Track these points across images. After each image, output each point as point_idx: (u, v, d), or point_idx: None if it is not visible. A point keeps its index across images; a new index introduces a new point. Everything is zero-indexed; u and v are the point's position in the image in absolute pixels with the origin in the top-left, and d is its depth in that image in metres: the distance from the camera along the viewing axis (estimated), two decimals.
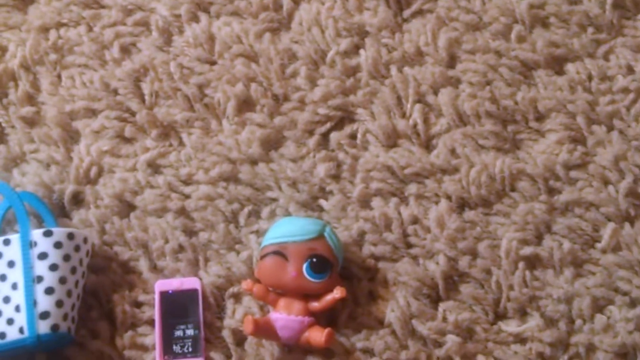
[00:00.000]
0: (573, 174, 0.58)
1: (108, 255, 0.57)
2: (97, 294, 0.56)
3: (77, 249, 0.54)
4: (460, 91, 0.60)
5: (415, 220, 0.58)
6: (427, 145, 0.60)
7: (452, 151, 0.59)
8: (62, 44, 0.62)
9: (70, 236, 0.54)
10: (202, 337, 0.54)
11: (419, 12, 0.63)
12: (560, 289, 0.56)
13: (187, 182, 0.59)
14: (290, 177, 0.58)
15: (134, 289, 0.56)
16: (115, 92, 0.61)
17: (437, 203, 0.58)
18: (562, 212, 0.58)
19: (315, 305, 0.53)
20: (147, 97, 0.61)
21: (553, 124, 0.59)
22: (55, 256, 0.53)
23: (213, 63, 0.62)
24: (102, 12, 0.63)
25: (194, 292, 0.55)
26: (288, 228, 0.54)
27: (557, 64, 0.61)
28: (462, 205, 0.58)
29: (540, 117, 0.60)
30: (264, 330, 0.52)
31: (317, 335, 0.52)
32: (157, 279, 0.56)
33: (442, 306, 0.56)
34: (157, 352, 0.54)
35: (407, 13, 0.63)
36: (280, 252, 0.53)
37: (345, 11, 0.62)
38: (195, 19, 0.63)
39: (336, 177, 0.59)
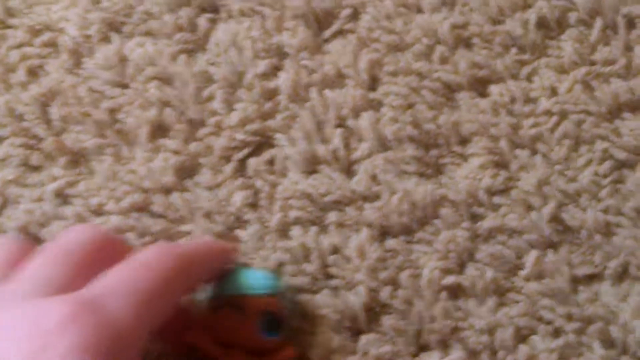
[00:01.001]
0: (496, 199, 0.56)
1: None
2: None
3: None
4: (382, 115, 0.57)
5: (335, 250, 0.55)
6: (348, 171, 0.57)
7: (374, 177, 0.56)
8: None
9: None
10: None
11: (340, 32, 0.60)
12: (483, 319, 0.54)
13: (97, 212, 0.55)
14: (205, 207, 0.55)
15: None
16: (21, 117, 0.57)
17: (358, 231, 0.55)
18: (485, 239, 0.55)
19: None
20: (55, 123, 0.57)
21: (476, 148, 0.57)
22: None
23: (125, 86, 0.58)
24: (7, 32, 0.59)
25: None
26: (247, 281, 0.49)
27: (480, 86, 0.58)
28: (383, 233, 0.56)
29: (463, 141, 0.57)
30: None
31: None
32: None
33: (363, 339, 0.53)
34: None
35: (327, 33, 0.59)
36: (236, 305, 0.48)
37: (263, 31, 0.59)
38: (106, 39, 0.59)
39: (254, 206, 0.56)
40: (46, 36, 0.58)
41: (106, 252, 0.39)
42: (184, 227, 0.55)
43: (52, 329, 0.30)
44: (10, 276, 0.36)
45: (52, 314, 0.30)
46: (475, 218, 0.56)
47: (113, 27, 0.59)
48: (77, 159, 0.56)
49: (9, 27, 0.59)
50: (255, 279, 0.49)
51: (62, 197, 0.55)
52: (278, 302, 0.50)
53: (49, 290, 0.34)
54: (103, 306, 0.32)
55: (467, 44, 0.59)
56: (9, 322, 0.31)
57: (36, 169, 0.56)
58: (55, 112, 0.57)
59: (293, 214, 0.55)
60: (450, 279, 0.54)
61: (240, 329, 0.47)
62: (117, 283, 0.35)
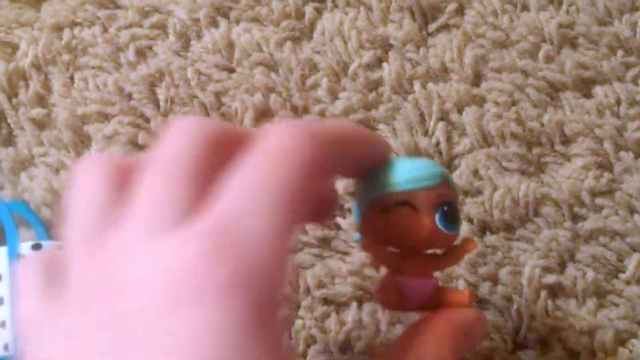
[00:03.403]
0: (599, 200, 0.53)
1: None
2: None
3: None
4: (485, 111, 0.55)
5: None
6: (449, 165, 0.54)
7: (475, 172, 0.54)
8: (76, 44, 0.56)
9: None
10: None
11: (445, 27, 0.57)
12: (583, 320, 0.51)
13: None
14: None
15: None
16: (130, 96, 0.55)
17: None
18: (587, 240, 0.53)
19: (443, 261, 0.41)
20: (162, 103, 0.55)
21: (579, 149, 0.54)
22: None
23: (232, 71, 0.56)
24: (117, 12, 0.57)
25: None
26: (412, 174, 0.38)
27: (585, 87, 0.55)
28: (483, 228, 0.53)
29: (566, 141, 0.54)
30: (397, 301, 0.39)
31: (459, 298, 0.39)
32: None
33: None
34: None
35: (432, 27, 0.57)
36: (408, 202, 0.37)
37: (369, 22, 0.57)
38: (214, 24, 0.57)
39: (354, 194, 0.53)
40: (155, 18, 0.56)
41: (224, 147, 0.29)
42: None
43: (184, 280, 0.24)
44: (124, 203, 0.28)
45: (186, 255, 0.24)
46: (576, 218, 0.53)
47: (221, 11, 0.57)
48: None
49: (119, 7, 0.57)
50: (419, 169, 0.38)
51: None
52: (451, 190, 0.40)
53: (174, 218, 0.26)
54: (239, 234, 0.25)
55: (573, 43, 0.56)
56: (141, 269, 0.25)
57: (143, 147, 0.54)
58: (162, 92, 0.55)
59: None
60: (550, 278, 0.52)
61: (418, 229, 0.37)
62: (249, 194, 0.26)
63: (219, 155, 0.28)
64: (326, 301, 0.51)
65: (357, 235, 0.41)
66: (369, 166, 0.36)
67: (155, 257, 0.25)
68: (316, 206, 0.35)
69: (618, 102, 0.55)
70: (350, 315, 0.51)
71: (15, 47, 0.56)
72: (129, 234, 0.27)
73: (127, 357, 0.24)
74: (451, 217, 0.38)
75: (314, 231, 0.52)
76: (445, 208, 0.38)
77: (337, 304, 0.51)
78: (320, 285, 0.51)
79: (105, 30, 0.56)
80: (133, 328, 0.24)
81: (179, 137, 0.29)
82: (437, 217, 0.38)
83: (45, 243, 0.48)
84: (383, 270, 0.44)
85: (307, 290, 0.51)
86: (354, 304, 0.51)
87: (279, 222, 0.26)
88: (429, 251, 0.40)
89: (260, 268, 0.25)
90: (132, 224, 0.27)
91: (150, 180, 0.28)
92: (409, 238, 0.38)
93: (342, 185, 0.52)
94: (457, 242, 0.40)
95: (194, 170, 0.28)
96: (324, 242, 0.52)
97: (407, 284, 0.39)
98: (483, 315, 0.37)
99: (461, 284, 0.51)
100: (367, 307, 0.51)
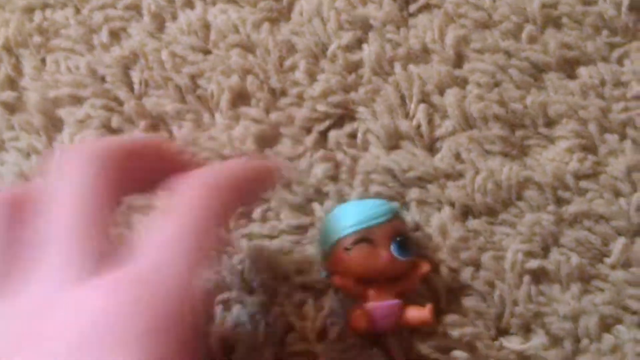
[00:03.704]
0: (583, 184, 0.51)
1: None
2: None
3: None
4: (467, 92, 0.53)
5: (416, 228, 0.51)
6: (431, 148, 0.53)
7: (457, 155, 0.52)
8: (48, 26, 0.54)
9: None
10: None
11: (426, 7, 0.55)
12: (567, 305, 0.50)
13: None
14: (284, 178, 0.51)
15: None
16: (103, 79, 0.53)
17: (439, 209, 0.51)
18: (571, 224, 0.51)
19: (402, 284, 0.47)
20: (136, 86, 0.53)
21: (563, 131, 0.52)
22: None
23: (207, 52, 0.54)
24: None
25: None
26: (366, 213, 0.46)
27: (569, 67, 0.54)
28: (465, 212, 0.51)
29: (550, 123, 0.53)
30: (368, 326, 0.46)
31: (420, 314, 0.46)
32: None
33: (444, 320, 0.49)
34: None
35: (413, 7, 0.55)
36: (367, 238, 0.45)
37: (348, 3, 0.55)
38: (189, 4, 0.55)
39: (334, 179, 0.52)
40: None
41: (127, 173, 0.32)
42: (262, 195, 0.51)
43: (114, 320, 0.26)
44: (23, 243, 0.30)
45: (110, 303, 0.27)
46: (560, 202, 0.51)
47: None
48: (157, 123, 0.52)
49: None
50: (372, 208, 0.47)
51: None
52: (401, 222, 0.48)
53: (90, 266, 0.28)
54: (157, 283, 0.28)
55: (557, 23, 0.55)
56: (65, 316, 0.27)
57: (116, 131, 0.52)
58: (136, 75, 0.53)
59: (374, 188, 0.51)
60: (534, 263, 0.50)
61: (377, 260, 0.45)
62: (165, 250, 0.29)
63: (117, 192, 0.32)
64: (304, 287, 0.49)
65: (324, 273, 0.47)
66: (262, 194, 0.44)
67: (79, 304, 0.27)
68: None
69: (602, 83, 0.53)
70: (327, 301, 0.49)
71: None
72: (44, 282, 0.28)
73: None
74: (405, 245, 0.46)
75: (288, 220, 0.50)
76: (399, 239, 0.46)
77: (314, 291, 0.49)
78: (298, 271, 0.49)
79: (77, 11, 0.55)
80: None
81: (78, 172, 0.30)
82: (392, 247, 0.45)
83: None
84: (349, 302, 0.48)
85: (285, 277, 0.49)
86: (331, 291, 0.49)
87: (190, 269, 0.30)
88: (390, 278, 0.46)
89: (178, 310, 0.28)
90: (45, 273, 0.28)
91: (57, 224, 0.29)
92: (371, 269, 0.45)
93: (321, 169, 0.51)
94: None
95: (100, 200, 0.30)
96: (301, 229, 0.50)
97: (374, 309, 0.45)
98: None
99: (444, 270, 0.49)
100: (341, 294, 0.49)
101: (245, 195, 0.39)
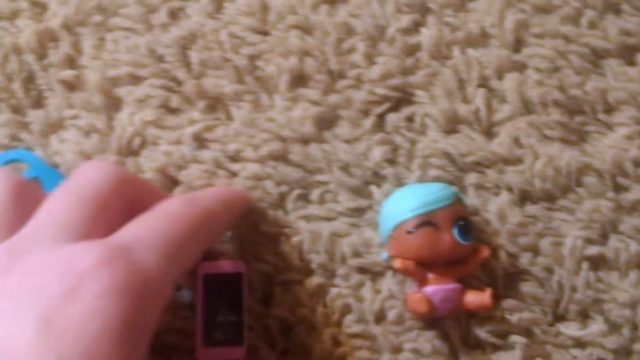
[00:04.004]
0: None
1: None
2: None
3: None
4: (527, 77, 0.53)
5: (475, 212, 0.51)
6: (489, 133, 0.52)
7: (516, 140, 0.52)
8: (107, 4, 0.54)
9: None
10: (246, 324, 0.43)
11: None
12: (626, 292, 0.50)
13: (234, 158, 0.51)
14: (343, 160, 0.51)
15: None
16: (162, 59, 0.53)
17: (497, 195, 0.51)
18: (630, 211, 0.51)
19: (462, 269, 0.47)
20: (194, 66, 0.53)
21: (622, 117, 0.52)
22: None
23: (266, 33, 0.54)
24: None
25: (239, 276, 0.44)
26: (430, 197, 0.46)
27: (629, 54, 0.53)
28: (523, 198, 0.51)
29: (609, 109, 0.52)
30: (428, 309, 0.46)
31: (480, 299, 0.47)
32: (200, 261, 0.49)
33: (502, 304, 0.49)
34: (198, 339, 0.43)
35: None
36: (430, 222, 0.45)
37: None
38: None
39: (392, 162, 0.52)
40: None
41: (126, 195, 0.36)
42: (321, 178, 0.51)
43: (85, 272, 0.28)
44: (25, 212, 0.34)
45: (84, 257, 0.29)
46: (619, 189, 0.51)
47: None
48: (216, 104, 0.52)
49: None
50: (435, 192, 0.47)
51: (200, 141, 0.51)
52: (463, 206, 0.48)
53: (71, 236, 0.32)
54: (133, 253, 0.30)
55: (617, 9, 0.54)
56: (40, 265, 0.29)
57: (175, 111, 0.52)
58: (195, 55, 0.53)
59: (432, 172, 0.51)
60: (593, 250, 0.50)
61: (440, 243, 0.45)
62: (145, 233, 0.32)
63: (122, 200, 0.36)
64: (361, 270, 0.50)
65: (385, 255, 0.48)
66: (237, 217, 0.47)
67: (56, 258, 0.30)
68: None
69: None
70: (385, 284, 0.49)
71: (44, 7, 0.54)
72: (28, 239, 0.32)
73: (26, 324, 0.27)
74: (467, 230, 0.46)
75: (346, 202, 0.50)
76: (462, 223, 0.46)
77: (372, 273, 0.50)
78: (356, 254, 0.49)
79: None
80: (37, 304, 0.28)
81: (89, 175, 0.36)
82: (455, 231, 0.45)
83: None
84: (410, 285, 0.49)
85: (343, 259, 0.49)
86: (389, 273, 0.49)
87: (165, 259, 0.32)
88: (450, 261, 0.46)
89: (149, 280, 0.30)
90: (31, 232, 0.32)
91: (57, 204, 0.34)
92: (433, 252, 0.45)
93: (379, 152, 0.51)
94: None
95: (96, 204, 0.34)
96: (359, 212, 0.50)
97: (434, 293, 0.46)
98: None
99: (502, 255, 0.49)
100: (398, 277, 0.49)
101: (225, 218, 0.42)
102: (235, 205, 0.44)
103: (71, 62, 0.53)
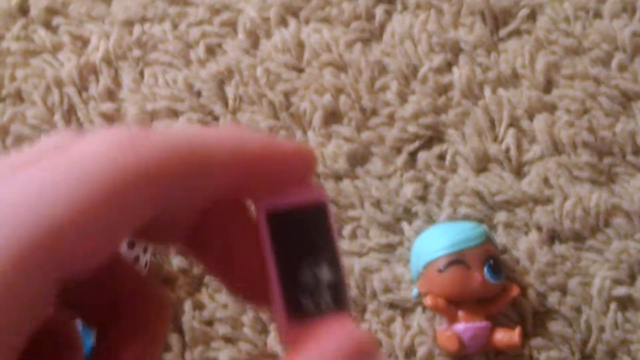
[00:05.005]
0: None
1: (180, 266, 0.51)
2: None
3: (136, 259, 0.47)
4: (557, 118, 0.54)
5: (504, 250, 0.52)
6: (519, 172, 0.54)
7: (545, 180, 0.53)
8: (146, 39, 0.56)
9: (131, 245, 0.47)
10: (344, 278, 0.25)
11: (516, 32, 0.56)
12: None
13: None
14: (375, 196, 0.53)
15: (205, 308, 0.51)
16: (199, 93, 0.55)
17: (526, 233, 0.52)
18: None
19: (492, 307, 0.48)
20: (230, 102, 0.55)
21: None
22: None
23: (301, 70, 0.55)
24: (188, 9, 0.57)
25: (320, 208, 0.25)
26: (461, 235, 0.47)
27: None
28: (552, 237, 0.52)
29: (638, 151, 0.53)
30: (458, 347, 0.47)
31: (509, 337, 0.48)
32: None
33: (531, 343, 0.50)
34: (279, 312, 0.23)
35: (503, 32, 0.56)
36: (460, 261, 0.47)
37: (439, 26, 0.56)
38: (284, 23, 0.57)
39: (423, 199, 0.53)
40: (225, 15, 0.56)
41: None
42: (353, 213, 0.52)
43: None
44: None
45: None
46: None
47: (291, 11, 0.56)
48: None
49: (190, 4, 0.57)
50: (466, 230, 0.48)
51: None
52: (493, 246, 0.49)
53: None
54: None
55: None
56: None
57: None
58: (231, 90, 0.55)
59: (462, 210, 0.52)
60: (621, 290, 0.51)
61: (471, 282, 0.47)
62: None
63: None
64: (392, 305, 0.51)
65: (416, 292, 0.49)
66: (276, 186, 0.22)
67: None
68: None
69: None
70: (415, 320, 0.50)
71: (86, 41, 0.56)
72: None
73: None
74: (497, 268, 0.47)
75: (377, 238, 0.51)
76: (492, 262, 0.47)
77: (402, 309, 0.51)
78: (387, 289, 0.51)
79: (175, 26, 0.56)
80: None
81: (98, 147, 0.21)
82: (485, 270, 0.47)
83: None
84: (440, 322, 0.50)
85: (374, 295, 0.50)
86: (420, 309, 0.50)
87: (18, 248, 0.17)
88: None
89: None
90: None
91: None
92: (464, 291, 0.46)
93: (411, 189, 0.52)
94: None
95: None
96: (390, 248, 0.51)
97: (464, 330, 0.47)
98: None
99: (531, 294, 0.50)
100: (428, 313, 0.50)
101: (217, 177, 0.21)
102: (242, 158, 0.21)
103: (111, 95, 0.55)
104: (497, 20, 0.56)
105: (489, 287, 0.47)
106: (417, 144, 0.53)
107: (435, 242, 0.48)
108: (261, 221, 0.24)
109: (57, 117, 0.54)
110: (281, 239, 0.25)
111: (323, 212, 0.25)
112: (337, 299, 0.24)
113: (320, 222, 0.26)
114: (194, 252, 0.23)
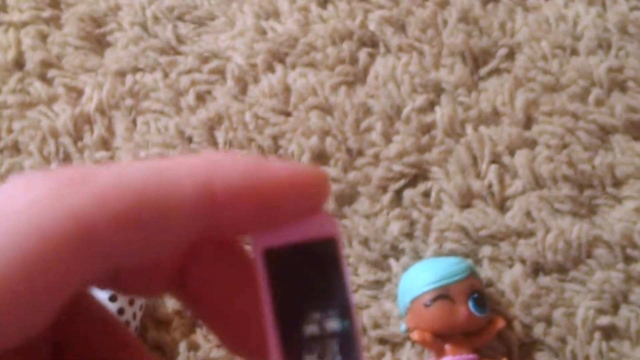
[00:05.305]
0: None
1: (175, 308, 0.53)
2: (162, 348, 0.52)
3: (131, 302, 0.49)
4: (537, 153, 0.56)
5: (489, 284, 0.53)
6: (502, 207, 0.55)
7: (528, 214, 0.55)
8: (138, 89, 0.58)
9: (112, 298, 0.48)
10: (359, 331, 0.19)
11: (496, 71, 0.58)
12: None
13: None
14: (362, 235, 0.54)
15: (200, 348, 0.52)
16: (190, 139, 0.57)
17: (511, 267, 0.54)
18: (639, 282, 0.53)
19: (478, 339, 0.50)
20: (221, 146, 0.57)
21: (630, 191, 0.55)
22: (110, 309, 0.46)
23: (288, 114, 0.58)
24: (178, 58, 0.59)
25: (329, 245, 0.19)
26: (445, 270, 0.49)
27: (635, 130, 0.56)
28: (536, 270, 0.54)
29: (617, 183, 0.55)
30: None
31: None
32: None
33: None
34: None
35: (483, 71, 0.58)
36: (446, 295, 0.48)
37: (421, 67, 0.58)
38: (271, 69, 0.59)
39: (409, 236, 0.55)
40: (214, 63, 0.59)
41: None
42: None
43: None
44: None
45: None
46: (629, 260, 0.54)
47: (277, 57, 0.59)
48: None
49: (180, 53, 0.59)
50: (450, 265, 0.50)
51: None
52: (477, 280, 0.50)
53: None
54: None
55: (623, 87, 0.57)
56: None
57: None
58: (221, 135, 0.57)
59: (448, 246, 0.54)
60: (604, 320, 0.52)
61: (456, 316, 0.48)
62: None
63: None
64: (382, 341, 0.52)
65: (404, 327, 0.50)
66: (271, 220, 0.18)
67: None
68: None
69: None
70: (404, 354, 0.52)
71: (80, 92, 0.58)
72: None
73: None
74: (482, 302, 0.48)
75: (366, 275, 0.53)
76: (476, 295, 0.48)
77: (392, 344, 0.52)
78: (376, 325, 0.52)
79: (166, 75, 0.58)
80: None
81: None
82: (470, 304, 0.48)
83: None
84: (429, 355, 0.51)
85: (364, 331, 0.52)
86: (408, 344, 0.52)
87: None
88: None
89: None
90: None
91: None
92: (450, 324, 0.48)
93: (397, 227, 0.54)
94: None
95: None
96: (378, 284, 0.53)
97: None
98: None
99: (516, 326, 0.51)
100: (417, 347, 0.51)
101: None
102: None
103: (105, 143, 0.57)
104: (476, 60, 0.58)
105: (474, 321, 0.48)
106: (402, 182, 0.55)
107: (420, 277, 0.49)
108: (258, 260, 0.20)
109: (54, 166, 0.56)
110: (282, 281, 0.21)
111: (333, 250, 0.20)
112: (348, 355, 0.20)
113: (330, 261, 0.21)
114: (182, 299, 0.21)
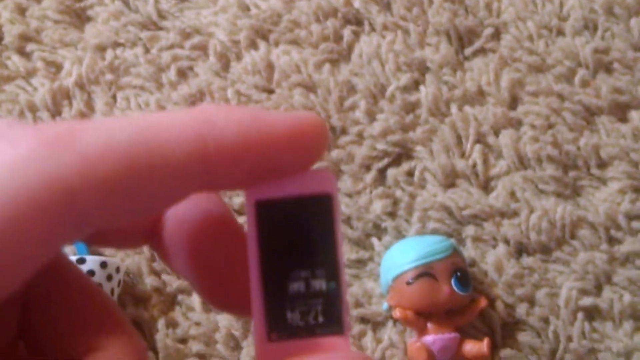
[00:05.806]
0: (635, 224, 0.53)
1: (154, 285, 0.52)
2: (140, 325, 0.52)
3: (109, 278, 0.48)
4: (522, 133, 0.56)
5: (472, 264, 0.53)
6: (486, 187, 0.55)
7: (512, 194, 0.54)
8: (119, 64, 0.58)
9: (103, 265, 0.48)
10: (344, 291, 0.19)
11: (481, 51, 0.58)
12: (620, 342, 0.52)
13: (239, 212, 0.54)
14: (345, 213, 0.54)
15: (178, 326, 0.52)
16: None
17: (494, 247, 0.54)
18: (623, 263, 0.53)
19: (460, 318, 0.50)
20: None
21: (615, 172, 0.55)
22: None
23: (271, 91, 0.57)
24: (159, 33, 0.58)
25: (325, 200, 0.19)
26: (428, 248, 0.49)
27: (620, 111, 0.56)
28: (520, 250, 0.54)
29: (602, 165, 0.55)
30: (430, 355, 0.48)
31: (478, 348, 0.49)
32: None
33: (500, 354, 0.51)
34: (257, 327, 0.19)
35: (469, 51, 0.58)
36: (428, 273, 0.48)
37: (406, 46, 0.58)
38: (254, 45, 0.58)
39: (392, 215, 0.54)
40: (196, 39, 0.58)
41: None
42: None
43: None
44: None
45: None
46: (613, 241, 0.54)
47: (260, 34, 0.58)
48: None
49: (161, 29, 0.58)
50: (433, 244, 0.49)
51: None
52: (460, 258, 0.50)
53: None
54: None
55: (608, 68, 0.57)
56: None
57: None
58: None
59: (431, 225, 0.54)
60: (587, 300, 0.52)
61: (439, 294, 0.48)
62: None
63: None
64: (363, 320, 0.52)
65: (386, 306, 0.50)
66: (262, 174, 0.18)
67: None
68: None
69: None
70: (386, 333, 0.51)
71: (59, 67, 0.57)
72: None
73: None
74: (464, 280, 0.48)
75: (348, 254, 0.53)
76: (459, 274, 0.48)
77: (373, 323, 0.52)
78: (358, 304, 0.52)
79: (147, 51, 0.57)
80: None
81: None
82: (453, 282, 0.48)
83: (88, 257, 0.49)
84: (411, 335, 0.51)
85: None
86: (390, 323, 0.51)
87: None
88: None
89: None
90: None
91: None
92: (432, 303, 0.48)
93: (380, 205, 0.53)
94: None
95: None
96: (360, 263, 0.53)
97: (433, 342, 0.48)
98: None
99: (499, 305, 0.51)
100: (399, 327, 0.51)
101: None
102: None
103: (84, 118, 0.56)
104: (462, 39, 0.58)
105: (456, 299, 0.48)
106: (385, 161, 0.55)
107: (403, 255, 0.49)
108: (249, 212, 0.19)
109: None
110: (271, 236, 0.20)
111: (328, 207, 0.20)
112: (332, 317, 0.19)
113: (323, 219, 0.20)
114: (159, 251, 0.20)
